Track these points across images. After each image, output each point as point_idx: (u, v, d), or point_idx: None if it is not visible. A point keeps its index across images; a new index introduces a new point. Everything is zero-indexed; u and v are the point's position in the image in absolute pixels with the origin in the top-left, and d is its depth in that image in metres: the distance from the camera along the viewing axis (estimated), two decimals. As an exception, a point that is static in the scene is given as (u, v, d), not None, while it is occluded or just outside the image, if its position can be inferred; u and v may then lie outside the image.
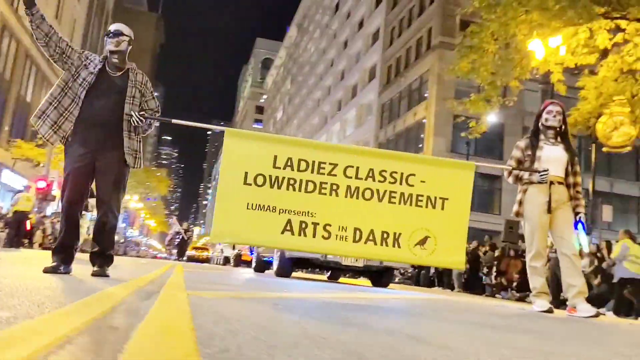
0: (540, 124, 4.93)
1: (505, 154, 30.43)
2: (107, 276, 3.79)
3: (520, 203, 4.82)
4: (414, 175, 4.00)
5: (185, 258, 24.64)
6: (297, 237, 3.85)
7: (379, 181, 3.96)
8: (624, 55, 11.89)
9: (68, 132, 3.86)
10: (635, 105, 13.40)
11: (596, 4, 9.12)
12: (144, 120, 3.97)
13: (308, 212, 3.87)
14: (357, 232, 3.90)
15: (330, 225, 3.89)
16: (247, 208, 3.83)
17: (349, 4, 50.28)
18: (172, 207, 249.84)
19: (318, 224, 3.88)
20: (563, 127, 4.91)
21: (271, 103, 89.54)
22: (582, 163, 18.46)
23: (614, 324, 5.18)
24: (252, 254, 14.00)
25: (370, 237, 3.91)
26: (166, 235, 39.02)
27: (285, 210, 3.86)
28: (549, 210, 4.67)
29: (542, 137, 4.91)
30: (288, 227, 3.85)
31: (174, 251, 23.96)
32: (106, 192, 3.93)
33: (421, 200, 3.98)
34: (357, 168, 3.96)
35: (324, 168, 3.92)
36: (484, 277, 15.75)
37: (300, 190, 3.88)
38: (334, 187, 3.92)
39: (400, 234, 3.94)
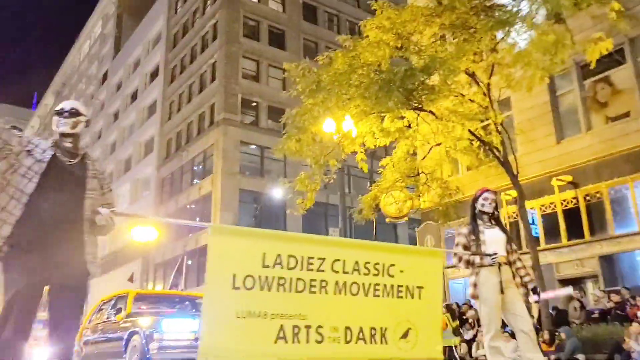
0: (477, 210, 5.30)
1: (288, 226, 32.01)
2: None
3: (475, 285, 4.97)
4: (393, 265, 3.94)
5: None
6: (292, 345, 3.46)
7: (364, 274, 3.82)
8: (409, 138, 13.74)
9: (6, 239, 2.92)
10: (418, 181, 15.40)
11: (405, 95, 10.50)
12: (114, 219, 3.18)
13: (300, 314, 3.55)
14: (348, 331, 3.68)
15: (322, 327, 3.60)
16: (237, 317, 3.35)
17: (120, 75, 48.60)
18: None
19: (310, 326, 3.57)
20: (496, 212, 5.25)
21: (20, 176, 79.48)
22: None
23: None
24: None
25: (360, 335, 3.71)
26: None
27: (277, 315, 3.48)
28: (502, 291, 4.90)
29: (479, 221, 5.22)
30: (281, 334, 3.47)
31: None
32: (65, 316, 3.02)
33: (401, 291, 3.93)
34: (344, 261, 3.77)
35: (312, 264, 3.65)
36: None
37: (290, 290, 3.55)
38: (323, 283, 3.67)
39: (386, 328, 3.82)
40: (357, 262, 3.84)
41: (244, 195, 31.16)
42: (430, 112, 11.47)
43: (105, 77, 51.85)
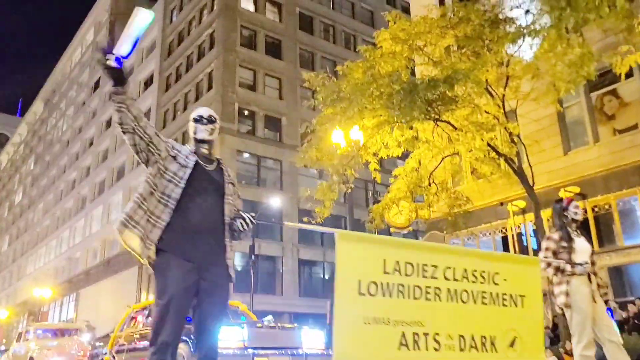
0: (570, 218, 5.27)
1: (284, 234, 31.92)
2: None
3: (567, 294, 4.95)
4: (498, 273, 3.94)
5: None
6: (413, 352, 3.44)
7: (472, 282, 3.81)
8: (423, 148, 13.80)
9: (156, 243, 2.94)
10: (429, 191, 15.44)
11: (425, 106, 10.54)
12: (252, 224, 3.18)
13: (418, 321, 3.52)
14: (462, 339, 3.67)
15: (438, 335, 3.59)
16: (364, 323, 3.33)
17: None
18: None
19: (428, 334, 3.55)
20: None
21: (6, 184, 78.47)
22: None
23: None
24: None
25: (473, 344, 3.70)
26: None
27: (399, 322, 3.45)
28: (594, 300, 4.91)
29: (569, 229, 5.22)
30: (403, 341, 3.44)
31: None
32: (214, 320, 3.02)
33: (505, 299, 3.93)
34: (454, 269, 3.76)
35: (426, 271, 3.64)
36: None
37: (409, 297, 3.53)
38: (437, 291, 3.66)
39: (494, 336, 3.80)
40: (465, 270, 3.84)
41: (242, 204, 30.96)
42: (449, 122, 11.54)
43: (97, 84, 51.46)
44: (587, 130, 15.41)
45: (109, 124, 47.56)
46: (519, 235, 16.74)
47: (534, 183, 12.36)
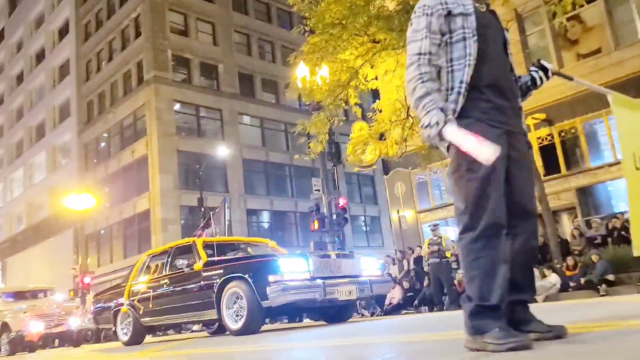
0: None
1: (230, 184, 31.01)
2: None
3: None
4: None
5: None
6: None
7: None
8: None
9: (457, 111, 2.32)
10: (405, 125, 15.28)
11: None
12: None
13: None
14: None
15: None
16: None
17: (20, 34, 44.09)
18: None
19: None
20: None
21: None
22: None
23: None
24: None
25: None
26: None
27: None
28: None
29: None
30: None
31: None
32: (531, 198, 2.44)
33: None
34: None
35: None
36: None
37: None
38: None
39: None
40: None
41: (182, 156, 29.67)
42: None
43: (1, 35, 46.81)
44: (551, 57, 15.67)
45: (20, 78, 43.65)
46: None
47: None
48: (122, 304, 8.21)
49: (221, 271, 6.48)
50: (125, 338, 8.21)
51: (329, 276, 6.31)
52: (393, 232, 22.02)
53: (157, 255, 8.44)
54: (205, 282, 6.64)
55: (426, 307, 12.20)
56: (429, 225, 11.64)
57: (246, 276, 6.01)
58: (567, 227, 15.63)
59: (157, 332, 10.67)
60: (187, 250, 7.56)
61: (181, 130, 30.58)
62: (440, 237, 10.84)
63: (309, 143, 12.29)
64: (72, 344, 13.74)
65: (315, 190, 18.08)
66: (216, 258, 7.10)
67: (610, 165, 14.52)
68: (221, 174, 31.10)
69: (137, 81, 31.32)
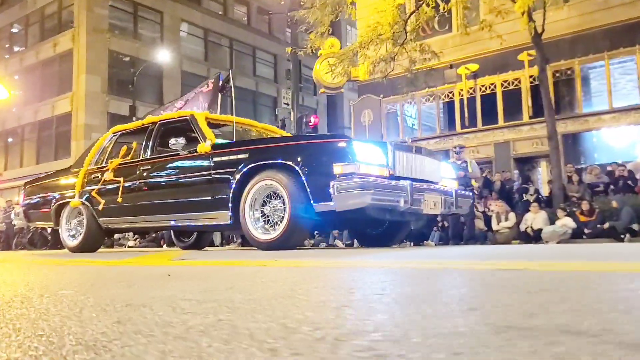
0: None
1: (165, 96, 28.05)
2: None
3: None
4: None
5: None
6: None
7: None
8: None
9: None
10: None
11: None
12: None
13: None
14: None
15: None
16: None
17: None
18: None
19: None
20: None
21: None
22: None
23: None
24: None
25: None
26: None
27: None
28: None
29: None
30: None
31: None
32: None
33: None
34: None
35: None
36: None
37: None
38: None
39: None
40: None
41: (114, 57, 26.30)
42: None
43: None
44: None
45: None
46: (470, 99, 15.72)
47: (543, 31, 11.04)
48: (71, 196, 6.07)
49: (245, 155, 4.56)
50: (73, 242, 6.15)
51: (412, 178, 4.54)
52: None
53: (128, 134, 6.28)
54: (217, 171, 4.71)
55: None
56: (454, 148, 10.13)
57: (291, 163, 4.10)
58: (544, 174, 14.81)
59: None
60: (178, 130, 5.52)
61: (115, 28, 26.99)
62: (466, 162, 9.27)
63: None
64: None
65: (285, 104, 15.99)
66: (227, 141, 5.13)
67: (605, 113, 13.63)
68: (157, 84, 28.09)
69: (66, -37, 27.09)
